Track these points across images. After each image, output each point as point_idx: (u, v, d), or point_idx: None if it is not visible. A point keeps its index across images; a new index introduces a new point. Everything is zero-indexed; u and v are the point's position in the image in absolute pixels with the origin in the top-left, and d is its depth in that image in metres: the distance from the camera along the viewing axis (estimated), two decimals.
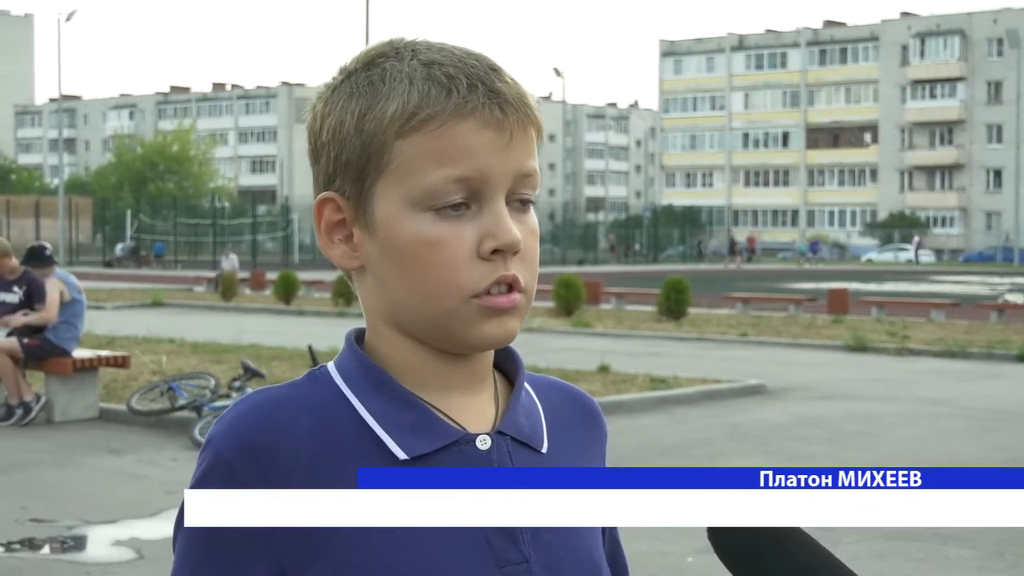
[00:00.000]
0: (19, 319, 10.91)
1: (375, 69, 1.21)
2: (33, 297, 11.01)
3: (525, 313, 1.22)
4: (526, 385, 1.30)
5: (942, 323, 22.66)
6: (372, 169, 1.19)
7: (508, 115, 1.19)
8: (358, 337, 1.27)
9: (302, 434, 1.18)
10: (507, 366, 1.30)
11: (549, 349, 17.26)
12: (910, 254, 73.49)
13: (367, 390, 1.22)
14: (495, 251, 1.18)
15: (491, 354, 1.27)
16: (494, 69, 1.21)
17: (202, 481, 1.18)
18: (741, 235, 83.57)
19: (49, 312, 10.88)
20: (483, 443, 1.22)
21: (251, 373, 10.91)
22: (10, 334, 10.94)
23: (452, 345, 1.21)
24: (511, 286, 1.19)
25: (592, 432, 1.34)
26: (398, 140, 1.18)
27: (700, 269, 57.24)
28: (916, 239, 75.74)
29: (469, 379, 1.25)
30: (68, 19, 65.10)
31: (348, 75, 1.23)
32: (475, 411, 1.24)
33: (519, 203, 1.21)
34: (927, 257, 76.62)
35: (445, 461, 1.20)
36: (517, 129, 1.20)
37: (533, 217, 1.23)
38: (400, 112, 1.18)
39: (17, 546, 6.89)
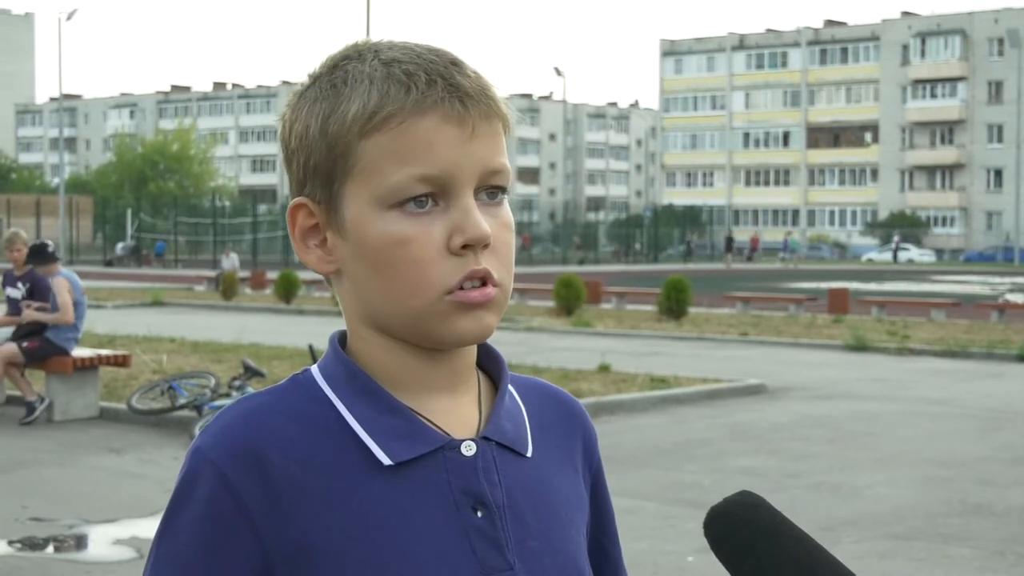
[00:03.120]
0: (33, 313, 10.86)
1: (338, 72, 1.21)
2: (34, 295, 11.00)
3: (503, 308, 1.21)
4: (510, 388, 1.29)
5: (943, 323, 22.66)
6: (339, 172, 1.19)
7: (469, 108, 1.18)
8: (342, 340, 1.27)
9: (290, 441, 1.18)
10: (490, 367, 1.29)
11: (549, 349, 17.27)
12: (896, 254, 72.82)
13: (352, 395, 1.21)
14: (464, 246, 1.17)
15: (473, 353, 1.26)
16: (455, 63, 1.20)
17: (188, 487, 1.17)
18: (744, 235, 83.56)
19: (66, 315, 10.84)
20: (468, 449, 1.21)
21: (251, 372, 10.90)
22: (17, 329, 10.91)
23: (430, 342, 1.21)
24: (484, 280, 1.18)
25: (574, 433, 1.34)
26: (361, 141, 1.17)
27: (691, 268, 57.17)
28: (896, 238, 75.23)
29: (451, 379, 1.24)
30: (69, 18, 65.13)
31: (314, 80, 1.23)
32: (458, 415, 1.24)
33: (487, 196, 1.20)
34: (926, 257, 76.50)
35: (430, 467, 1.19)
36: (480, 122, 1.19)
37: (506, 210, 1.22)
38: (361, 112, 1.17)
39: (18, 545, 6.89)
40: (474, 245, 1.17)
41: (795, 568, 1.10)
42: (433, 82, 1.17)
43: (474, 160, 1.18)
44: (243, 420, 1.19)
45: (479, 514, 1.20)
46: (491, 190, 1.20)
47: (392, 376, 1.22)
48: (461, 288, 1.17)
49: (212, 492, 1.16)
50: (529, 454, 1.26)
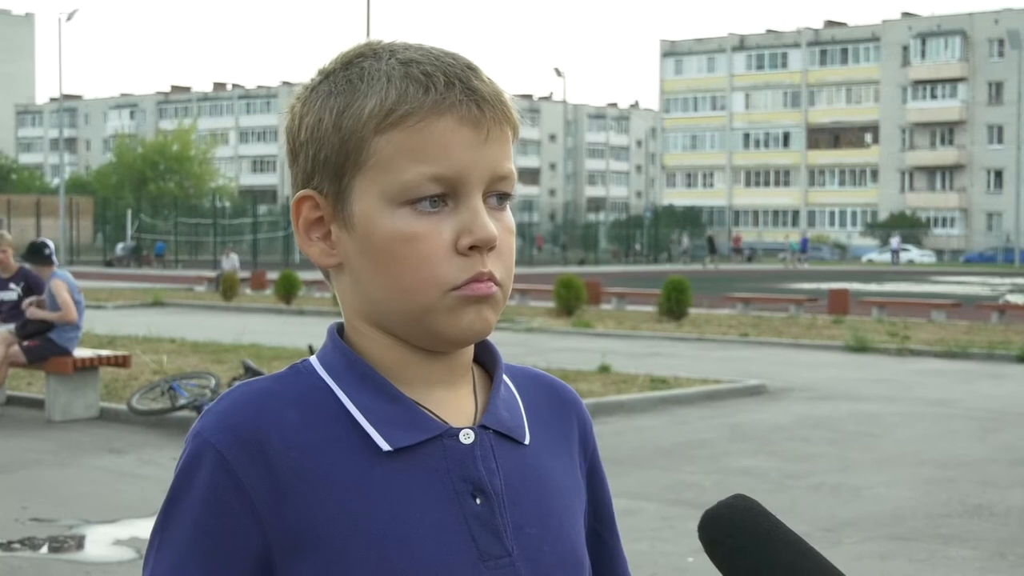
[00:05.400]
0: (37, 311, 10.83)
1: (353, 68, 1.22)
2: (32, 294, 10.99)
3: (502, 306, 1.23)
4: (505, 377, 1.31)
5: (943, 324, 22.65)
6: (350, 166, 1.21)
7: (485, 112, 1.20)
8: (340, 331, 1.28)
9: (289, 427, 1.19)
10: (485, 359, 1.31)
11: (549, 349, 17.27)
12: (897, 256, 72.42)
13: (351, 382, 1.22)
14: (472, 247, 1.19)
15: (471, 349, 1.28)
16: (471, 68, 1.22)
17: (190, 471, 1.18)
18: (746, 236, 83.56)
19: (68, 314, 10.82)
20: (466, 437, 1.23)
21: (252, 373, 10.91)
22: (22, 326, 10.89)
23: (430, 341, 1.22)
24: (488, 281, 1.21)
25: (569, 421, 1.35)
26: (376, 137, 1.19)
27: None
28: (895, 241, 74.86)
29: (449, 375, 1.25)
30: (69, 19, 65.10)
31: (326, 75, 1.24)
32: (456, 406, 1.25)
33: (496, 200, 1.22)
34: (927, 258, 76.45)
35: (429, 455, 1.21)
36: (494, 127, 1.21)
37: (509, 214, 1.25)
38: (378, 109, 1.19)
39: (17, 545, 6.88)
40: (481, 247, 1.19)
41: (788, 571, 1.11)
42: (452, 84, 1.19)
43: (486, 164, 1.20)
44: (244, 404, 1.20)
45: (478, 501, 1.21)
46: (498, 195, 1.23)
47: (390, 371, 1.24)
48: (466, 284, 1.19)
49: (212, 476, 1.17)
50: (527, 442, 1.27)
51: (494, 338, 1.28)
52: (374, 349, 1.24)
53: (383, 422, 1.20)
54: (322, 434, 1.19)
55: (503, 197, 1.23)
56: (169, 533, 1.19)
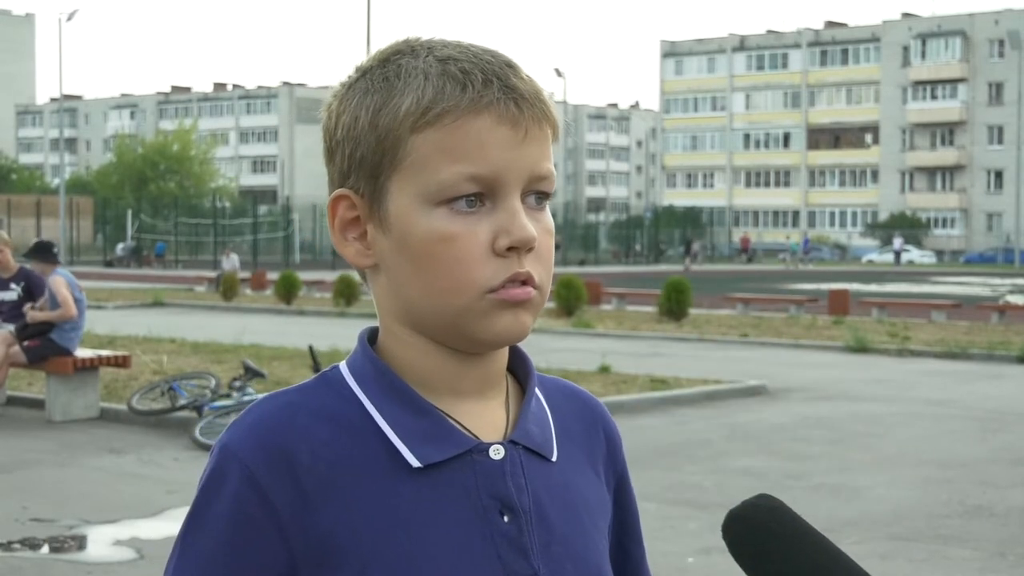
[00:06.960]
0: (38, 314, 10.83)
1: (390, 66, 1.20)
2: (33, 294, 10.98)
3: (539, 310, 1.21)
4: (536, 390, 1.29)
5: (943, 324, 22.65)
6: (387, 165, 1.18)
7: (524, 111, 1.18)
8: (371, 337, 1.26)
9: (318, 441, 1.18)
10: (518, 369, 1.29)
11: (550, 349, 17.25)
12: (899, 256, 72.34)
13: (381, 395, 1.20)
14: (510, 248, 1.16)
15: (504, 357, 1.26)
16: (510, 65, 1.20)
17: (216, 484, 1.17)
18: (752, 236, 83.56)
19: (69, 311, 10.81)
20: (496, 453, 1.21)
21: (252, 373, 10.90)
22: (23, 327, 10.87)
23: (465, 343, 1.20)
24: (525, 283, 1.18)
25: (597, 436, 1.33)
26: (412, 135, 1.17)
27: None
28: (899, 240, 74.70)
29: (482, 383, 1.23)
30: (69, 19, 65.11)
31: (364, 73, 1.22)
32: (487, 418, 1.23)
33: (535, 200, 1.20)
34: (927, 258, 76.45)
35: (458, 470, 1.19)
36: (532, 125, 1.18)
37: (548, 215, 1.22)
38: (415, 107, 1.17)
39: (18, 545, 6.88)
40: (519, 248, 1.17)
41: (813, 572, 1.10)
42: (489, 82, 1.17)
43: (524, 163, 1.18)
44: (272, 418, 1.19)
45: (506, 519, 1.19)
46: (537, 195, 1.20)
47: (422, 377, 1.22)
48: (503, 287, 1.17)
49: (239, 491, 1.16)
50: (554, 458, 1.26)
51: None
52: (408, 353, 1.22)
53: (413, 436, 1.18)
54: (350, 449, 1.18)
55: (542, 197, 1.21)
56: (192, 544, 1.18)
